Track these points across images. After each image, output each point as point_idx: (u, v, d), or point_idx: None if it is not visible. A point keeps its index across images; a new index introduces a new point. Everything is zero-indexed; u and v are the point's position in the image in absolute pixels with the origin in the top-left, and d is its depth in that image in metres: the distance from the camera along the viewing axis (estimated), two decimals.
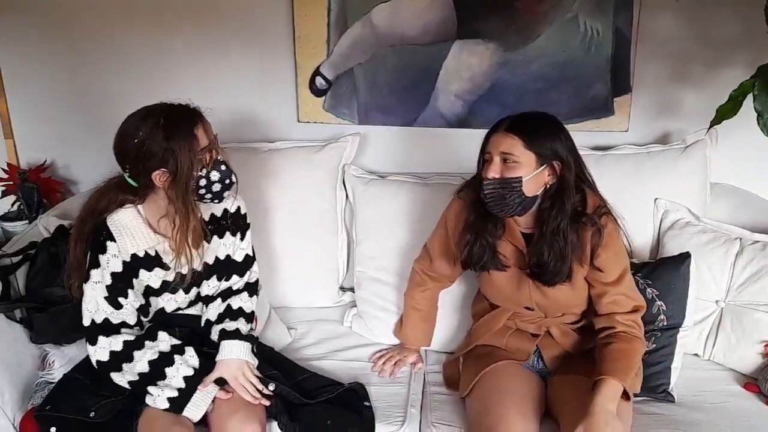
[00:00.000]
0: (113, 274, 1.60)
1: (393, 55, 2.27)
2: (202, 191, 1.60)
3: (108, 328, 1.60)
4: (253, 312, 1.77)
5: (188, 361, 1.63)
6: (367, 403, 1.72)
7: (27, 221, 2.28)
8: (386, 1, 2.21)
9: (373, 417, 1.69)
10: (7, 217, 2.34)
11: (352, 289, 2.23)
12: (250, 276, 1.81)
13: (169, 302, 1.70)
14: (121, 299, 1.61)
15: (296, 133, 2.36)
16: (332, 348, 2.01)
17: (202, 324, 1.75)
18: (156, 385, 1.58)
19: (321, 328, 2.11)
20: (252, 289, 1.80)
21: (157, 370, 1.59)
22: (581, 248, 1.61)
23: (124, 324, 1.62)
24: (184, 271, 1.66)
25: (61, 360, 1.74)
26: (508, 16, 2.20)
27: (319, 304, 2.22)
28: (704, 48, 2.17)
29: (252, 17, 2.27)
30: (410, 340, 1.95)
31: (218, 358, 1.65)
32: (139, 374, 1.59)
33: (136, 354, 1.59)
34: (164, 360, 1.61)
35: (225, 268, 1.76)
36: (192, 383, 1.59)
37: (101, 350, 1.59)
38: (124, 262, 1.61)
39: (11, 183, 2.34)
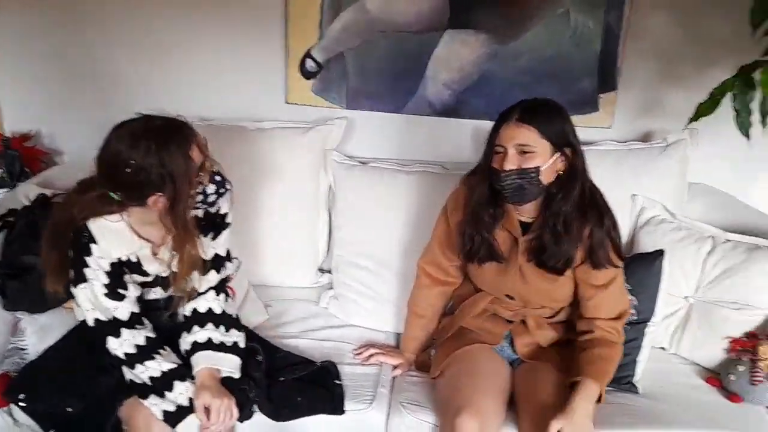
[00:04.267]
0: (106, 273, 1.55)
1: (384, 41, 2.28)
2: (198, 204, 1.58)
3: (120, 324, 1.56)
4: (224, 312, 1.70)
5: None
6: (337, 381, 1.75)
7: (8, 189, 2.27)
8: None
9: (342, 395, 1.71)
10: None
11: (330, 271, 2.24)
12: (221, 275, 1.72)
13: (148, 293, 1.69)
14: (121, 291, 1.57)
15: (284, 114, 2.36)
16: (307, 327, 2.03)
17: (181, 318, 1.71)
18: (162, 395, 1.54)
19: (298, 308, 2.12)
20: (219, 288, 1.71)
21: (166, 381, 1.56)
22: (580, 239, 1.61)
23: (133, 315, 1.59)
24: (164, 274, 1.63)
25: (33, 327, 1.74)
26: (501, 8, 2.22)
27: (298, 284, 2.24)
28: (693, 48, 2.20)
29: None
30: (406, 346, 1.90)
31: (194, 372, 1.60)
32: (150, 378, 1.55)
33: (151, 361, 1.56)
34: (177, 373, 1.57)
35: None
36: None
37: (119, 347, 1.56)
38: (111, 263, 1.56)
39: None
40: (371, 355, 1.89)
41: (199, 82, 2.37)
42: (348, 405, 1.70)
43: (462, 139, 2.37)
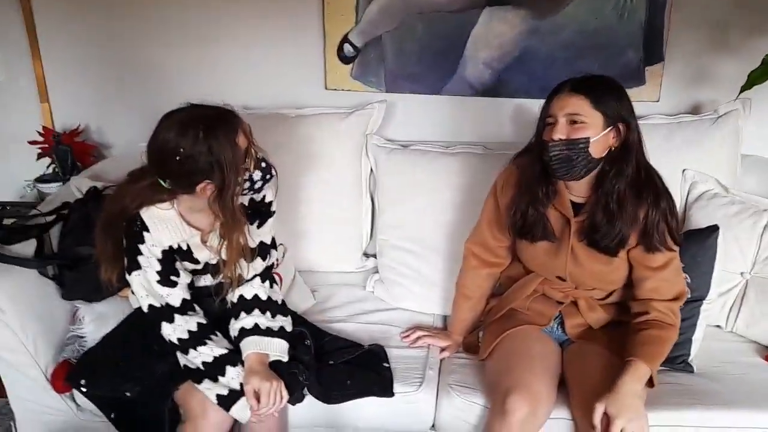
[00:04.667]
0: (159, 260, 1.58)
1: (421, 22, 2.25)
2: (245, 190, 1.59)
3: (173, 310, 1.60)
4: (269, 298, 1.71)
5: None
6: (386, 364, 1.76)
7: (61, 183, 2.35)
8: None
9: (391, 377, 1.72)
10: (43, 179, 2.40)
11: (375, 255, 2.25)
12: (266, 263, 1.74)
13: (198, 280, 1.72)
14: (173, 277, 1.60)
15: (324, 100, 2.36)
16: (354, 311, 2.04)
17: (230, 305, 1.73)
18: (215, 380, 1.58)
19: (344, 292, 2.14)
20: (264, 275, 1.73)
21: (219, 365, 1.59)
22: (635, 220, 1.57)
23: (185, 301, 1.62)
24: (213, 261, 1.66)
25: (91, 315, 1.79)
26: None
27: (343, 268, 2.25)
28: (742, 13, 2.12)
29: None
30: (454, 328, 1.89)
31: (243, 357, 1.62)
32: (203, 363, 1.59)
33: (203, 347, 1.59)
34: (228, 359, 1.60)
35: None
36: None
37: (173, 332, 1.59)
38: (163, 251, 1.59)
39: (46, 146, 2.40)
40: (418, 338, 1.89)
41: (239, 72, 2.39)
42: (397, 387, 1.71)
43: (503, 118, 2.34)
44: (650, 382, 1.56)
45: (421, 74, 2.32)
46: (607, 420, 1.45)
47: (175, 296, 1.61)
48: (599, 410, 1.45)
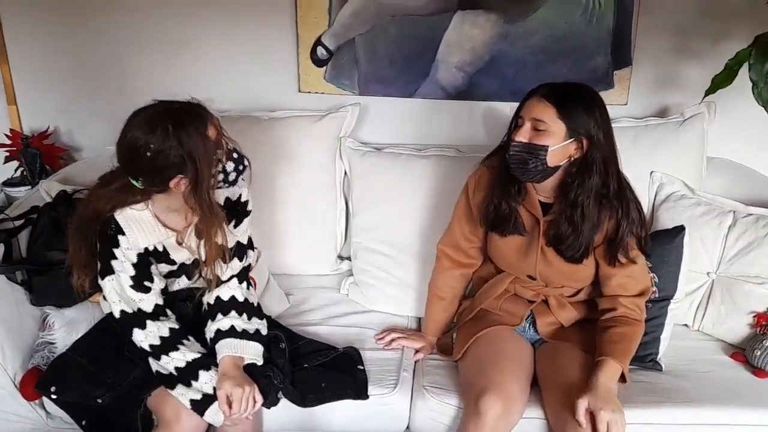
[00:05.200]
0: (133, 264, 1.57)
1: (394, 25, 2.27)
2: (219, 183, 1.58)
3: (145, 316, 1.58)
4: (246, 300, 1.71)
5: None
6: (360, 367, 1.76)
7: (29, 186, 2.31)
8: None
9: (366, 380, 1.73)
10: (11, 183, 2.36)
11: (349, 258, 2.25)
12: (243, 263, 1.74)
13: (172, 284, 1.71)
14: (146, 283, 1.59)
15: (297, 102, 2.36)
16: (328, 314, 2.04)
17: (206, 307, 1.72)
18: (188, 385, 1.57)
19: (318, 295, 2.13)
20: (242, 276, 1.73)
21: (191, 370, 1.57)
22: (601, 230, 1.61)
23: (157, 307, 1.60)
24: (189, 262, 1.66)
25: (61, 321, 1.76)
26: None
27: (318, 271, 2.25)
28: (707, 20, 2.17)
29: None
30: (428, 329, 1.90)
31: (218, 359, 1.60)
32: (176, 368, 1.57)
33: (175, 352, 1.57)
34: (201, 363, 1.59)
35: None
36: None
37: (144, 339, 1.57)
38: (138, 254, 1.58)
39: (14, 149, 2.36)
40: (393, 340, 1.90)
41: (212, 75, 2.38)
42: (372, 390, 1.71)
43: (476, 121, 2.37)
44: (623, 378, 1.59)
45: (394, 77, 2.34)
46: (590, 416, 1.47)
47: (148, 302, 1.60)
48: (582, 406, 1.47)
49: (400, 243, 2.09)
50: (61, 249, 1.73)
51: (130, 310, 1.58)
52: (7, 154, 2.38)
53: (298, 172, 2.19)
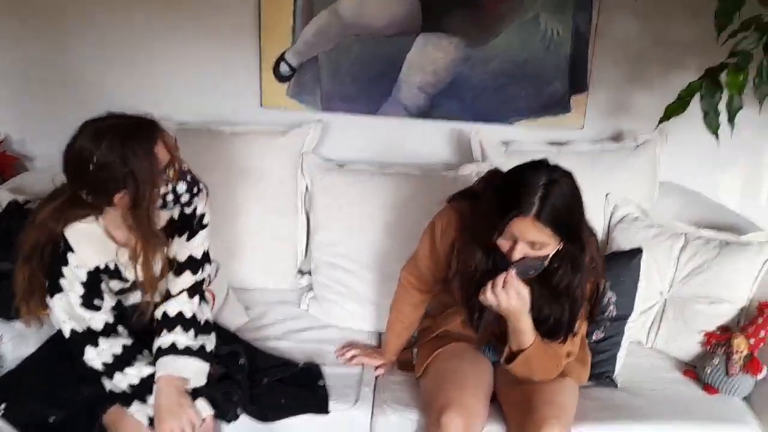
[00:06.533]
0: (82, 283, 1.53)
1: (358, 44, 2.29)
2: (169, 203, 1.55)
3: (96, 334, 1.54)
4: (194, 316, 1.66)
5: None
6: (321, 382, 1.75)
7: None
8: None
9: (326, 396, 1.71)
10: None
11: (310, 273, 2.24)
12: (197, 277, 1.69)
13: (126, 299, 1.66)
14: (96, 301, 1.55)
15: (259, 117, 2.36)
16: (288, 329, 2.02)
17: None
18: (144, 401, 1.54)
19: (278, 310, 2.11)
20: (193, 290, 1.68)
21: (147, 386, 1.55)
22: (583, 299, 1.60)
23: (107, 325, 1.56)
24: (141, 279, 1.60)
25: (10, 334, 1.71)
26: (472, 11, 2.25)
27: (277, 286, 2.23)
28: (659, 49, 2.26)
29: (219, 1, 2.27)
30: (389, 348, 1.89)
31: (155, 378, 1.57)
32: (129, 385, 1.54)
33: (130, 368, 1.55)
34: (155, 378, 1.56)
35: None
36: None
37: (97, 357, 1.54)
38: (88, 272, 1.54)
39: None
40: (353, 357, 1.89)
41: (174, 87, 2.35)
42: (332, 405, 1.70)
43: (437, 140, 2.40)
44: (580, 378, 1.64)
45: (357, 95, 2.36)
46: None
47: (98, 320, 1.55)
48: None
49: (360, 259, 2.09)
50: (10, 260, 1.64)
51: (80, 329, 1.54)
52: None
53: (259, 186, 2.18)
